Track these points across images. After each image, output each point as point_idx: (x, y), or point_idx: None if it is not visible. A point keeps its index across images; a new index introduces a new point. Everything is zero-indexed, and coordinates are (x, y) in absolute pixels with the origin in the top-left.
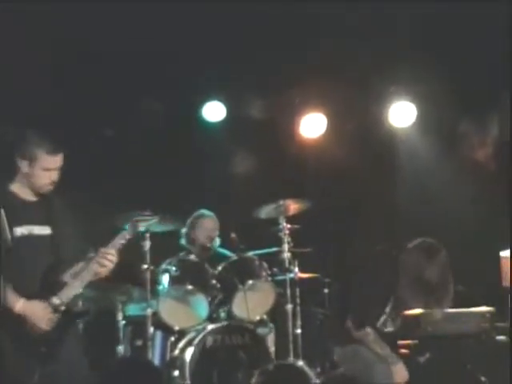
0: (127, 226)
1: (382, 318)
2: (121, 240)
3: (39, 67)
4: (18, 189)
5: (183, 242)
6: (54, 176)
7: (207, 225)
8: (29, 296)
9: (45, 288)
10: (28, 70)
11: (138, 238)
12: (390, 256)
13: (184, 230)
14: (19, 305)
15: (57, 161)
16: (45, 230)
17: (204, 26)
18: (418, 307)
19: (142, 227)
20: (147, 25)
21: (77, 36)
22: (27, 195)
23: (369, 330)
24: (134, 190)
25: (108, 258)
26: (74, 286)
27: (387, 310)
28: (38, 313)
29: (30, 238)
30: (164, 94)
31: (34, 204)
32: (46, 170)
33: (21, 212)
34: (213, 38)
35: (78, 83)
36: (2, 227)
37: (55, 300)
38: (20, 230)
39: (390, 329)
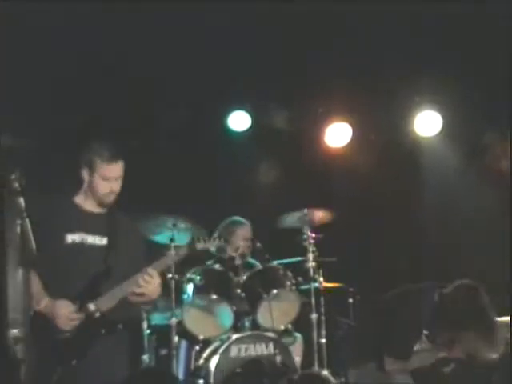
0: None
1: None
2: (167, 262)
3: (60, 80)
4: (82, 200)
5: (213, 249)
6: (114, 186)
7: (245, 232)
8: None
9: (86, 294)
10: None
11: (163, 247)
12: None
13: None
14: (43, 303)
15: (115, 169)
16: (100, 241)
17: (229, 36)
18: (463, 353)
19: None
20: (172, 34)
21: (99, 45)
22: (90, 206)
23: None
24: (158, 199)
25: (145, 279)
26: (112, 296)
27: (416, 348)
28: (59, 312)
29: (81, 246)
30: (189, 103)
31: (94, 214)
32: (104, 178)
33: (77, 220)
34: (238, 48)
35: (102, 94)
36: (27, 237)
37: (91, 306)
38: (72, 237)
39: None
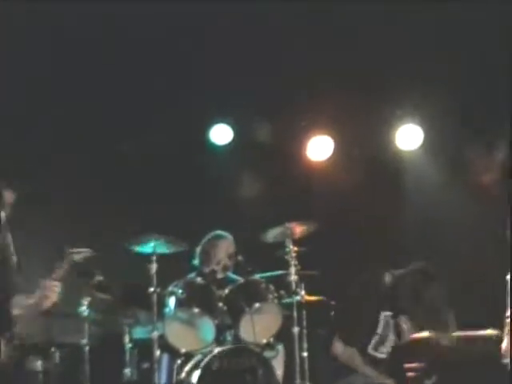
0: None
1: (373, 341)
2: (61, 272)
3: (48, 88)
4: None
5: (196, 262)
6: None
7: (227, 246)
8: None
9: None
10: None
11: (145, 260)
12: (378, 279)
13: (199, 250)
14: None
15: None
16: None
17: (211, 50)
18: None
19: (76, 259)
20: (155, 47)
21: (87, 59)
22: None
23: (355, 350)
24: (140, 212)
25: (53, 290)
26: (23, 321)
27: (378, 331)
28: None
29: None
30: (172, 116)
31: None
32: None
33: None
34: (220, 62)
35: (80, 108)
36: (7, 251)
37: (7, 335)
38: None
39: (382, 355)
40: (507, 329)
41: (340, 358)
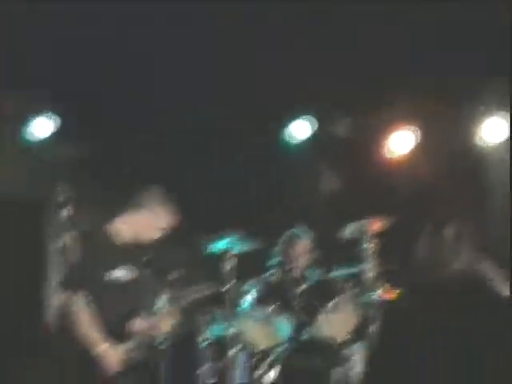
0: None
1: None
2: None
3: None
4: None
5: (274, 261)
6: None
7: (305, 244)
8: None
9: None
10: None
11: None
12: None
13: (277, 249)
14: (102, 347)
15: None
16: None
17: (294, 39)
18: None
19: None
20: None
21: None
22: None
23: None
24: (217, 209)
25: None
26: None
27: None
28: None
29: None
30: (251, 111)
31: None
32: None
33: None
34: (303, 54)
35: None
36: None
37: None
38: None
39: None
40: None
41: None
